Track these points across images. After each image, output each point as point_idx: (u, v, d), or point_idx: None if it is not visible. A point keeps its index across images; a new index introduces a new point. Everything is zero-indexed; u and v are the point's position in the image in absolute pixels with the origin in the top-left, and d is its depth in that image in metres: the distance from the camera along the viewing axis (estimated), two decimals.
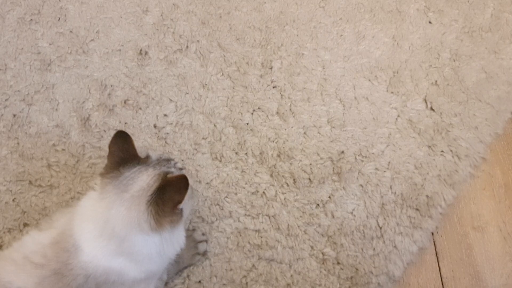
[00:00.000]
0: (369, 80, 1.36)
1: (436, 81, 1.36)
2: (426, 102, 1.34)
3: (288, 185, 1.25)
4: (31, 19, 1.40)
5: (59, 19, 1.40)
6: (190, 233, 1.18)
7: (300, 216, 1.22)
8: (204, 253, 1.17)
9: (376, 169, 1.27)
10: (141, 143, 1.27)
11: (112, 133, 1.25)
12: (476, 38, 1.40)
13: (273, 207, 1.22)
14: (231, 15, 1.44)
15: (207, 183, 1.24)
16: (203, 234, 1.19)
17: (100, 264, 0.86)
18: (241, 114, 1.32)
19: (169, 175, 0.88)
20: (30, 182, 1.21)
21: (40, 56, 1.36)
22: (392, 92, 1.35)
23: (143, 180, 0.86)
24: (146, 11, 1.43)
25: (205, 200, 1.23)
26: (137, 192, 0.85)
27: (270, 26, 1.43)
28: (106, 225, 0.85)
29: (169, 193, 0.85)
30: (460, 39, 1.40)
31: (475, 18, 1.42)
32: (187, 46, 1.39)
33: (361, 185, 1.25)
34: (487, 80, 1.35)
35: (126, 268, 0.88)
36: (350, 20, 1.44)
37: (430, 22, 1.42)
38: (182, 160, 1.25)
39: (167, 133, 1.28)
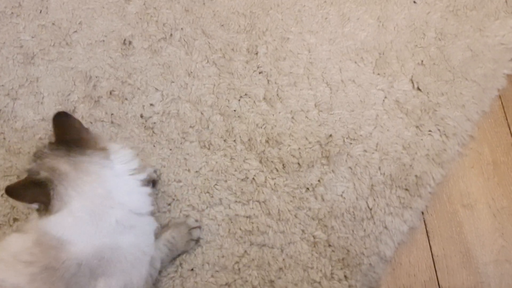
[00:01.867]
0: (355, 62, 1.36)
1: (422, 61, 1.35)
2: (412, 82, 1.33)
3: (277, 170, 1.25)
4: (12, 12, 1.38)
5: (40, 12, 1.39)
6: (183, 219, 1.18)
7: (291, 201, 1.22)
8: (198, 240, 1.18)
9: (365, 151, 1.27)
10: (128, 133, 1.26)
11: (99, 124, 1.26)
12: (461, 17, 1.39)
13: (263, 192, 1.23)
14: (215, 1, 1.42)
15: (196, 171, 1.24)
16: (196, 221, 1.19)
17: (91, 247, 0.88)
18: (228, 101, 1.32)
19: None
20: (18, 177, 1.21)
21: (22, 50, 1.34)
22: (378, 74, 1.35)
23: None
24: (128, 0, 1.41)
25: (195, 188, 1.23)
26: None
27: (254, 11, 1.41)
28: None
29: None
30: (445, 18, 1.39)
31: None
32: (171, 34, 1.38)
33: (350, 168, 1.26)
34: (472, 58, 1.35)
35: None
36: (335, 2, 1.43)
37: (414, 2, 1.41)
38: (171, 149, 1.25)
39: (154, 123, 1.28)
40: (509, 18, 1.38)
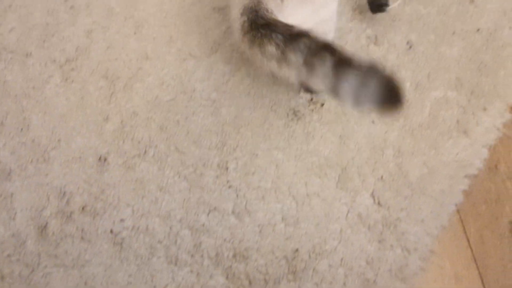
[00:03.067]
0: (319, 177, 1.43)
1: (382, 177, 1.43)
2: (373, 197, 1.40)
3: (244, 287, 1.26)
4: None
5: (21, 130, 1.46)
6: None
7: None
8: None
9: (330, 266, 1.30)
10: (97, 249, 1.28)
11: (69, 240, 1.28)
12: (416, 136, 1.50)
13: None
14: (189, 120, 1.52)
15: None
16: None
17: None
18: (197, 215, 1.36)
19: None
20: None
21: (0, 166, 1.40)
22: (341, 188, 1.41)
23: None
24: (106, 119, 1.50)
25: None
26: None
27: (226, 129, 1.51)
28: None
29: None
30: (402, 136, 1.50)
31: (414, 117, 1.53)
32: (145, 151, 1.45)
33: (316, 284, 1.27)
34: (429, 175, 1.43)
35: None
36: (300, 122, 1.53)
37: (373, 122, 1.52)
38: (138, 265, 1.26)
39: (123, 238, 1.30)
40: (461, 138, 1.49)
